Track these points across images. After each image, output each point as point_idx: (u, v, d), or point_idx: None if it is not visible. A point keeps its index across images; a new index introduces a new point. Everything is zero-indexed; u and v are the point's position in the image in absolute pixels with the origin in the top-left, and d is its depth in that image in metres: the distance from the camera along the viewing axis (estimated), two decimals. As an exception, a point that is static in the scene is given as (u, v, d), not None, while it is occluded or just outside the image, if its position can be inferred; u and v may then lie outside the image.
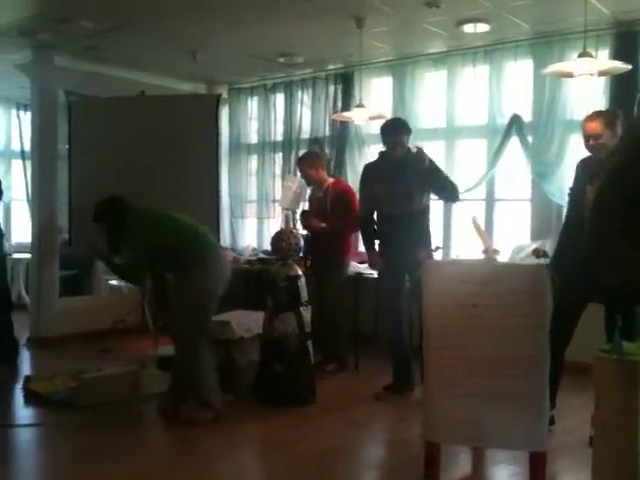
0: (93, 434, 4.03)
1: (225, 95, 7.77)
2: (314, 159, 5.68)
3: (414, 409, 4.32)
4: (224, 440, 4.00)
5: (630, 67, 4.37)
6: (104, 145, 6.08)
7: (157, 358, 5.36)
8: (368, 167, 5.06)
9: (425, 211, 4.83)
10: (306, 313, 4.60)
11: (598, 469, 2.30)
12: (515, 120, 5.78)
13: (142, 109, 6.27)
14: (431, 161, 4.69)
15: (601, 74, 4.37)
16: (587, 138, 3.85)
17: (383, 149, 4.90)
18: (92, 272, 7.42)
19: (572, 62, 4.37)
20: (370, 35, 5.64)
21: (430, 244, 4.88)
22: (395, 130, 4.75)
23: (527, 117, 5.78)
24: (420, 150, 4.65)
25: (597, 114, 3.93)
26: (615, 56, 5.16)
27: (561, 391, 3.96)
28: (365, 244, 5.04)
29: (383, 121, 5.02)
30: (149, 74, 7.05)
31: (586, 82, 5.24)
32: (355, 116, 5.80)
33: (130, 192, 5.60)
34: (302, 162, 5.68)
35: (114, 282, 7.17)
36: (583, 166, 3.97)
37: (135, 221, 4.25)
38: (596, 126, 3.79)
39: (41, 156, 6.51)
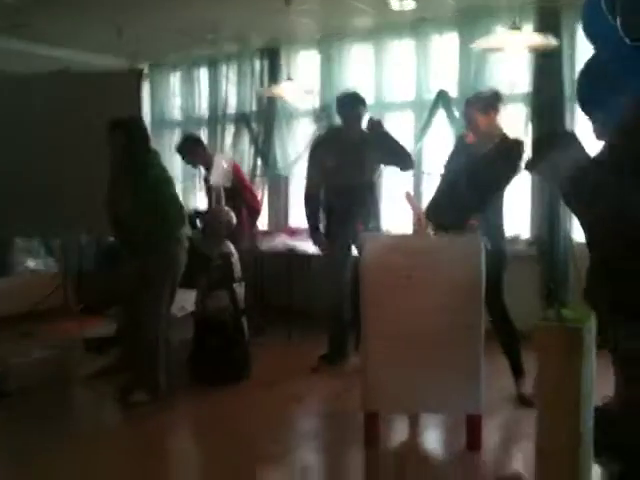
0: (22, 421, 3.89)
1: (147, 71, 7.54)
2: None
3: (350, 379, 4.34)
4: (162, 420, 3.93)
5: (558, 44, 4.48)
6: (19, 124, 5.79)
7: (84, 340, 5.18)
8: (318, 141, 5.00)
9: (376, 184, 4.85)
10: (240, 290, 4.55)
11: (542, 437, 2.37)
12: (441, 95, 5.84)
13: (61, 86, 5.98)
14: (385, 130, 4.69)
15: (531, 50, 4.45)
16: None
17: (335, 123, 4.85)
18: (8, 253, 7.11)
19: (502, 35, 4.42)
20: (297, 12, 5.56)
21: (379, 217, 4.89)
22: (354, 103, 4.72)
23: (453, 92, 5.85)
24: (377, 121, 4.65)
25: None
26: (539, 32, 5.26)
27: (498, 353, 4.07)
28: (310, 222, 4.96)
29: (341, 94, 4.97)
30: (75, 51, 6.79)
31: (511, 57, 5.37)
32: (286, 90, 5.73)
33: (49, 172, 5.44)
34: None
35: (32, 263, 6.90)
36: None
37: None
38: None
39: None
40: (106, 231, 6.39)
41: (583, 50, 4.91)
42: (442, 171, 4.15)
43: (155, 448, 3.59)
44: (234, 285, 4.54)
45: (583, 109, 2.57)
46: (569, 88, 5.30)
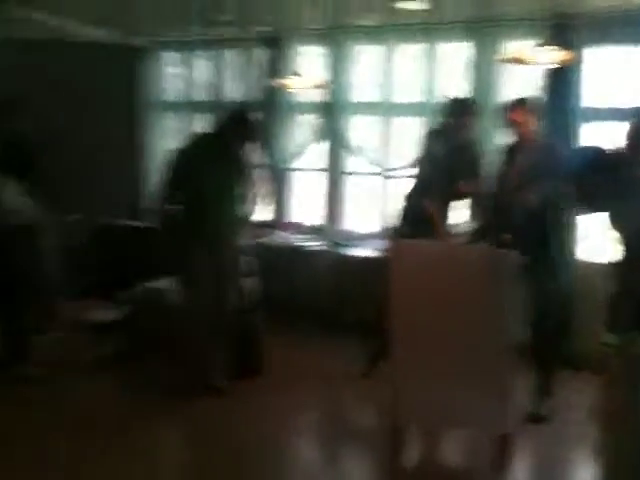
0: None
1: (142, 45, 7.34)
2: None
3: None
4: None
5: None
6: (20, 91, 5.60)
7: (88, 323, 5.07)
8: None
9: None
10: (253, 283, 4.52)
11: (607, 459, 2.42)
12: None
13: (59, 55, 5.81)
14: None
15: (553, 64, 4.52)
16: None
17: (436, 126, 4.73)
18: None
19: (534, 50, 4.47)
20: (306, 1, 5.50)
21: None
22: (466, 110, 4.62)
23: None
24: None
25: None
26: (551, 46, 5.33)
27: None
28: None
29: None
30: (68, 20, 6.53)
31: (521, 69, 5.43)
32: (294, 84, 5.68)
33: (50, 146, 5.27)
34: None
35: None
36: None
37: None
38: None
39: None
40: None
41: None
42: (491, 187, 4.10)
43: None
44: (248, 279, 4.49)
45: None
46: (576, 101, 5.40)
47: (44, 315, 4.72)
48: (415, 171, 4.56)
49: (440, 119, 4.77)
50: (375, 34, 6.23)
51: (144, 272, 5.03)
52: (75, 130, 5.78)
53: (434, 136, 4.54)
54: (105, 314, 4.88)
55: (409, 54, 6.12)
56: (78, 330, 4.89)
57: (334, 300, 5.63)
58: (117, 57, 6.14)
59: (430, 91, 5.95)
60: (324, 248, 6.05)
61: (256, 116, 4.60)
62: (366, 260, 5.43)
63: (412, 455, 3.55)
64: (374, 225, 6.12)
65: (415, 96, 6.07)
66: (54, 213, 4.59)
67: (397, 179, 5.85)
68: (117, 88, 6.01)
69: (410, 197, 4.42)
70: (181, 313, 4.27)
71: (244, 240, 4.55)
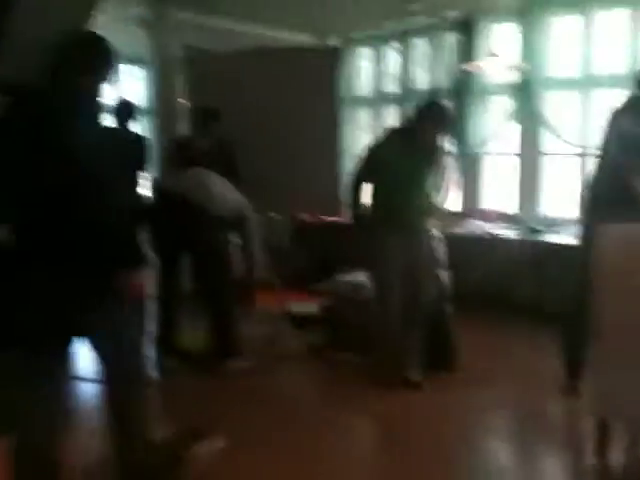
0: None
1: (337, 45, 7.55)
2: None
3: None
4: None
5: None
6: (224, 100, 6.00)
7: (289, 315, 5.22)
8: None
9: None
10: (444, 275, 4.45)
11: None
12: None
13: (260, 63, 6.15)
14: None
15: None
16: None
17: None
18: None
19: None
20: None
21: None
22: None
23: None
24: None
25: None
26: None
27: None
28: None
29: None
30: (261, 26, 6.90)
31: None
32: (487, 65, 5.50)
33: (251, 149, 5.59)
34: None
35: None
36: None
37: None
38: None
39: (161, 112, 6.50)
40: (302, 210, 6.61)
41: None
42: None
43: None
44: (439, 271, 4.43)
45: None
46: None
47: (249, 305, 4.99)
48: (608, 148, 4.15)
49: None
50: (572, 3, 5.84)
51: (341, 266, 5.15)
52: (279, 132, 6.07)
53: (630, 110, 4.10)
54: (302, 307, 5.06)
55: (611, 22, 5.67)
56: (278, 322, 5.08)
57: (532, 291, 5.40)
58: (315, 59, 6.34)
59: (635, 60, 5.48)
60: (520, 236, 5.81)
61: (447, 104, 4.51)
62: (566, 247, 5.11)
63: (618, 453, 3.31)
64: (574, 209, 5.76)
65: (618, 67, 5.61)
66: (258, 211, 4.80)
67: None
68: (317, 89, 6.21)
69: (606, 176, 4.04)
70: (376, 306, 4.31)
71: (436, 230, 4.49)
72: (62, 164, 2.35)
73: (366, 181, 4.28)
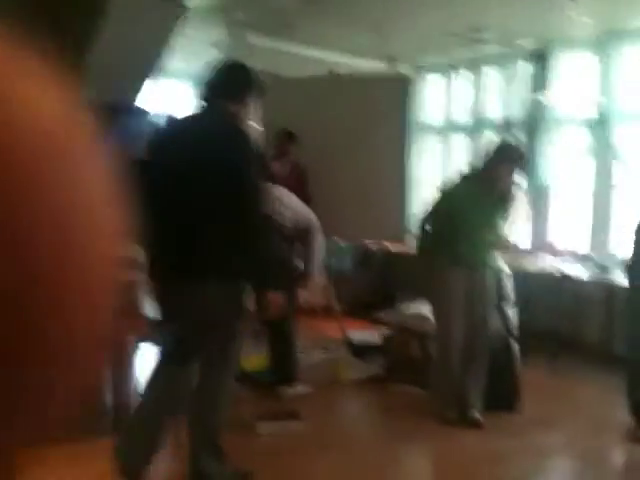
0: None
1: (408, 72, 7.56)
2: None
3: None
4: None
5: None
6: (297, 124, 6.06)
7: (349, 343, 5.16)
8: None
9: None
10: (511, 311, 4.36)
11: None
12: None
13: (332, 89, 6.20)
14: None
15: None
16: None
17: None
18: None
19: None
20: (577, 10, 5.17)
21: None
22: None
23: None
24: None
25: None
26: None
27: None
28: None
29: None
30: (334, 53, 6.97)
31: None
32: (561, 97, 5.40)
33: (320, 173, 5.62)
34: None
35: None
36: None
37: None
38: None
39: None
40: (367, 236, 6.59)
41: None
42: None
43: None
44: (503, 306, 4.34)
45: None
46: None
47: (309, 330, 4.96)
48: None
49: None
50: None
51: (403, 295, 5.10)
52: (348, 157, 6.09)
53: None
54: (363, 335, 5.04)
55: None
56: (338, 349, 5.05)
57: (601, 332, 5.22)
58: (386, 86, 6.36)
59: None
60: (591, 274, 5.64)
61: (522, 144, 4.41)
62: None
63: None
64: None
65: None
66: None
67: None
68: (387, 116, 6.22)
69: None
70: (437, 339, 4.25)
71: (504, 265, 4.41)
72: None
73: (437, 227, 4.23)
